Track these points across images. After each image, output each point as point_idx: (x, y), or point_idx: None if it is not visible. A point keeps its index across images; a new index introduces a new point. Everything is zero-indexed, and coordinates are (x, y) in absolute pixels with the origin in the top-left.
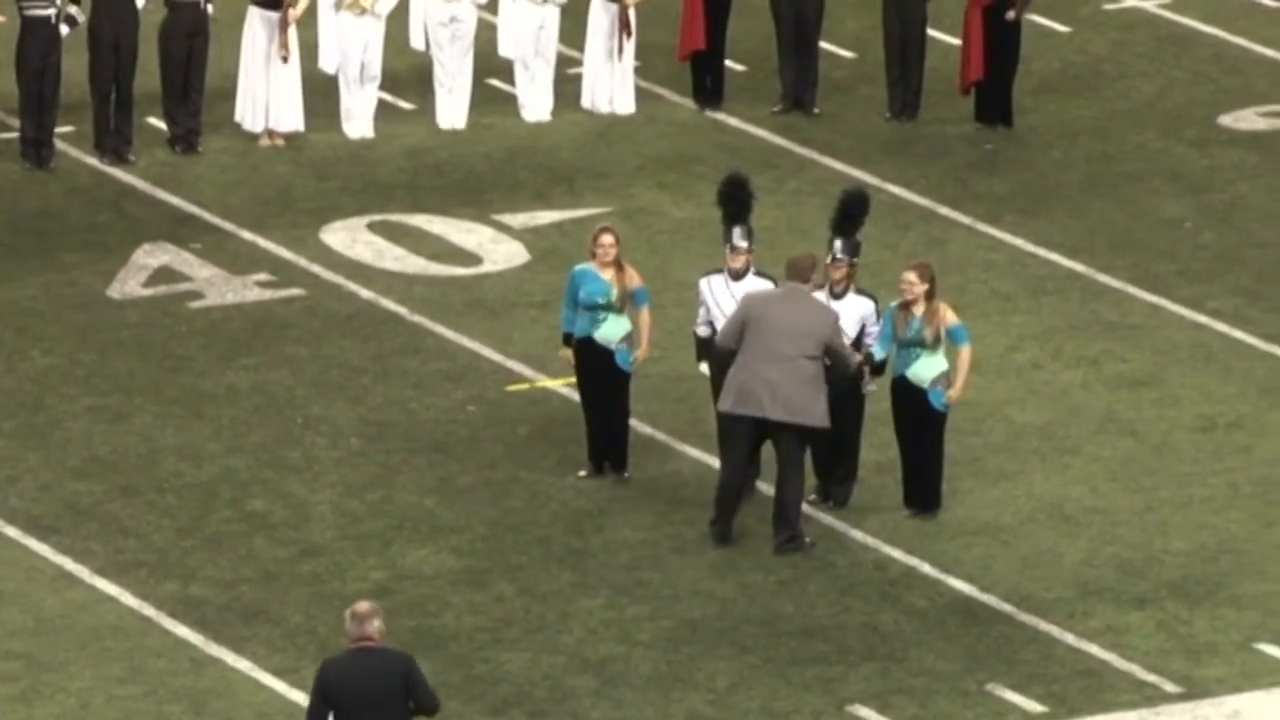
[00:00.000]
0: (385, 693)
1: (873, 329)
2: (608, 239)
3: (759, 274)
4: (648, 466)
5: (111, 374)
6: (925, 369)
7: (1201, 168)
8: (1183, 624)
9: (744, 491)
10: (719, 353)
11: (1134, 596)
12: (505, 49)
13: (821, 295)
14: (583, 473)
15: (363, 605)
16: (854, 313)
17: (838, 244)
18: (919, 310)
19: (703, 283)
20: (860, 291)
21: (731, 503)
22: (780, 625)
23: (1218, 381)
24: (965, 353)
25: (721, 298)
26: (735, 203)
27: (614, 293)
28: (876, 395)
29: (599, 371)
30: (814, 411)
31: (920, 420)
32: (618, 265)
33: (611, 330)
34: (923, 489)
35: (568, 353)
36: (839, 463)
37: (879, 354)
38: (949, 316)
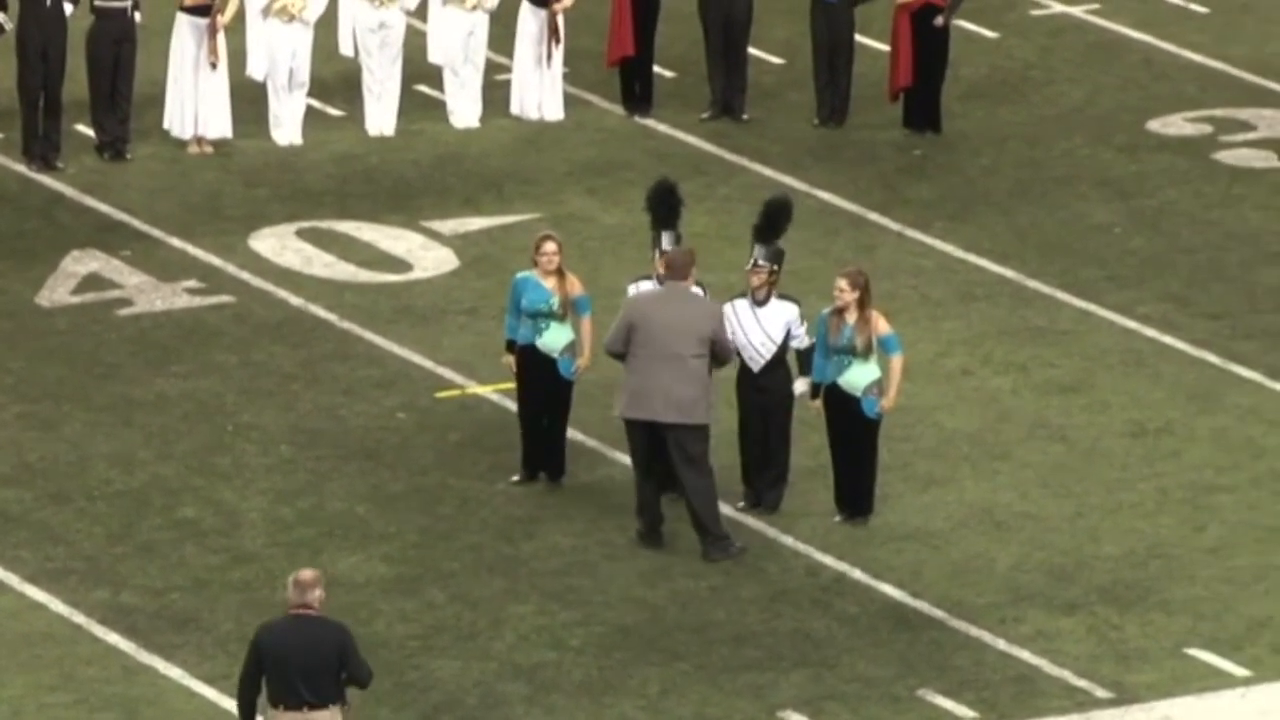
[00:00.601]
0: (319, 661)
1: (797, 332)
2: (550, 246)
3: (783, 297)
4: (578, 474)
5: (41, 381)
6: (857, 377)
7: (1130, 173)
8: (1113, 629)
9: (659, 493)
10: (611, 356)
11: (1064, 602)
12: (434, 55)
13: (743, 301)
14: (515, 478)
15: (306, 573)
16: (778, 318)
17: (758, 250)
18: (851, 318)
19: (631, 288)
20: (783, 296)
21: (651, 507)
22: (712, 632)
23: (1147, 387)
24: (897, 361)
25: None
26: (664, 209)
27: (556, 300)
28: (804, 401)
29: (541, 379)
30: (700, 409)
31: (853, 427)
32: (559, 273)
33: (554, 338)
34: (855, 494)
35: (510, 359)
36: (768, 468)
37: (816, 375)
38: (881, 325)
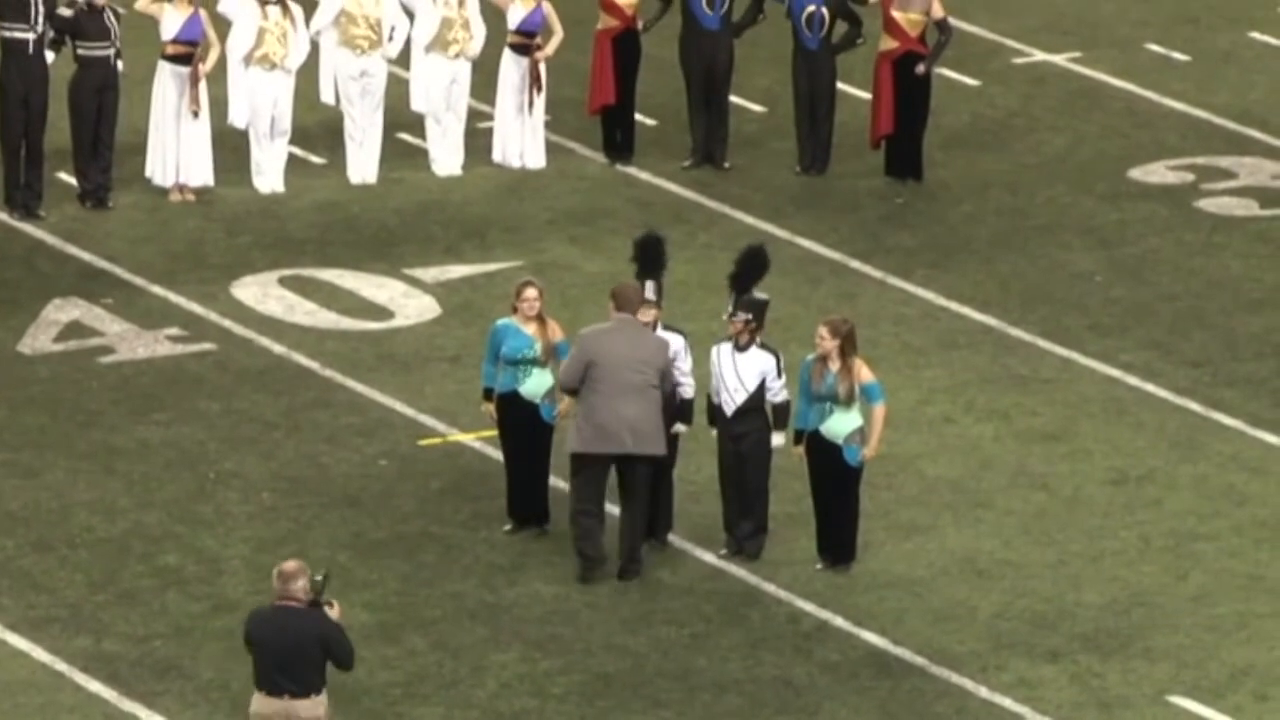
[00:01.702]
0: (298, 652)
1: (773, 384)
2: (531, 293)
3: (667, 328)
4: (560, 520)
5: (22, 429)
6: (840, 425)
7: (1112, 221)
8: (1095, 677)
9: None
10: (565, 392)
11: (1047, 649)
12: (416, 103)
13: (726, 345)
14: (507, 527)
15: (289, 564)
16: (755, 366)
17: (735, 301)
18: (834, 366)
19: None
20: (765, 346)
21: (598, 539)
22: (693, 679)
23: (1129, 435)
24: (879, 410)
25: None
26: (650, 259)
27: (538, 347)
28: (785, 448)
29: (523, 426)
30: (661, 440)
31: (835, 475)
32: (540, 319)
33: (536, 384)
34: (837, 542)
35: (489, 407)
36: (747, 518)
37: (799, 422)
38: (864, 373)
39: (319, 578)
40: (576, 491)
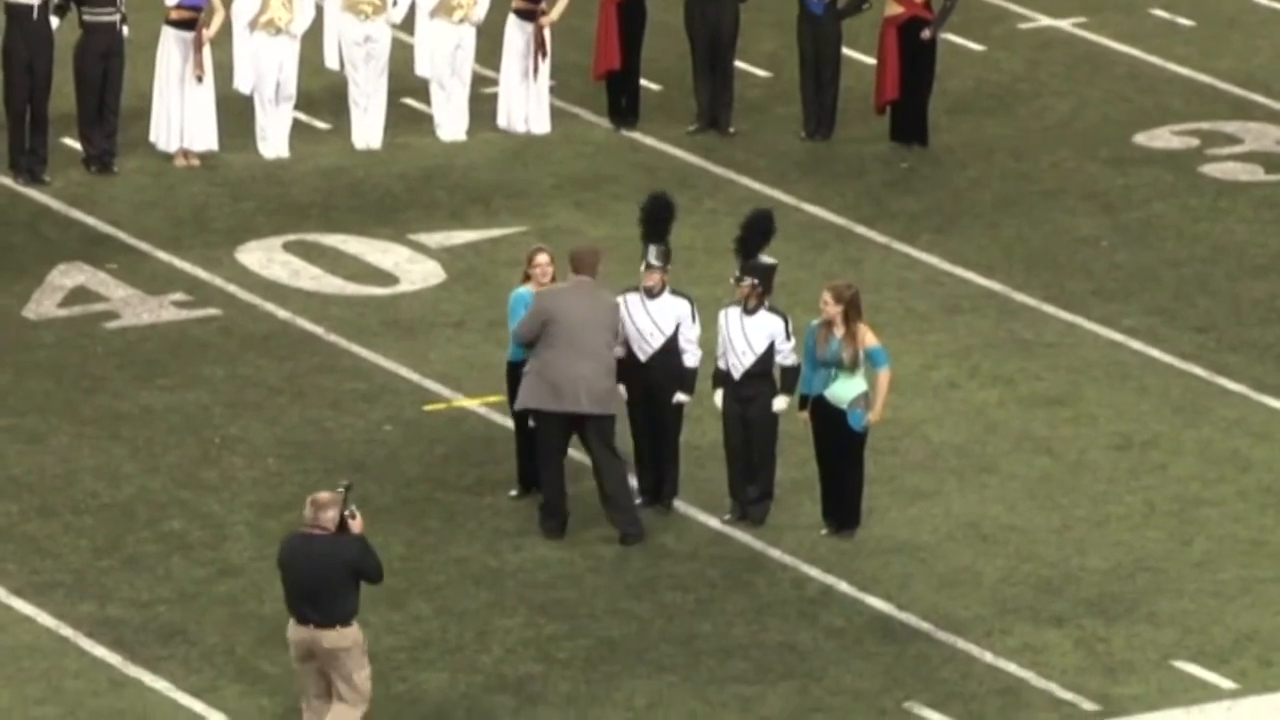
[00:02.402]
0: (324, 581)
1: (782, 346)
2: (543, 259)
3: (675, 293)
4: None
5: (27, 394)
6: (844, 390)
7: (1117, 186)
8: (1100, 642)
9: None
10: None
11: (1051, 614)
12: (421, 68)
13: (735, 309)
14: (513, 493)
15: (323, 495)
16: (763, 330)
17: (741, 265)
18: (839, 331)
19: (619, 300)
20: (773, 309)
21: (561, 498)
22: (698, 644)
23: (1133, 400)
24: (884, 375)
25: (637, 316)
26: (655, 222)
27: None
28: (790, 413)
29: None
30: (614, 400)
31: (839, 440)
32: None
33: None
34: (842, 507)
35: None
36: (753, 483)
37: (804, 386)
38: (869, 338)
39: (340, 488)
40: (538, 449)
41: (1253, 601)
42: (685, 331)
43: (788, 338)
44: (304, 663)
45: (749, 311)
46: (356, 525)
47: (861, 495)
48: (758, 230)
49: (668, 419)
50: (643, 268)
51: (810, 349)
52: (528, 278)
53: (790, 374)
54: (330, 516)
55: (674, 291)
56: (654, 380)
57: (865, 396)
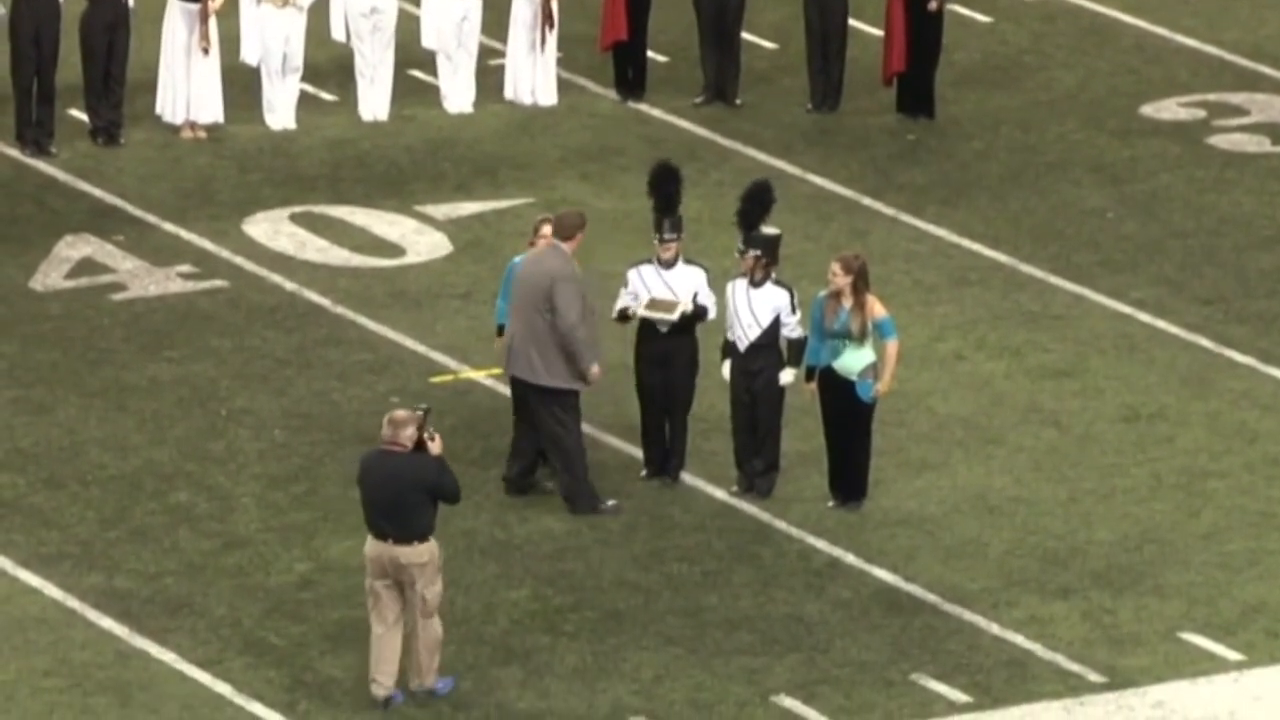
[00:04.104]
0: (400, 497)
1: (788, 319)
2: (548, 229)
3: (689, 262)
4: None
5: (34, 366)
6: (852, 361)
7: (1123, 158)
8: (1107, 614)
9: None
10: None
11: (1058, 587)
12: (428, 40)
13: (742, 281)
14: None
15: (400, 413)
16: (769, 303)
17: (745, 238)
18: (847, 303)
19: (632, 273)
20: (779, 283)
21: (523, 455)
22: (705, 616)
23: (1140, 372)
24: (893, 346)
25: (654, 285)
26: (663, 191)
27: None
28: (797, 385)
29: None
30: (540, 370)
31: (848, 411)
32: None
33: None
34: (849, 479)
35: (500, 343)
36: (758, 456)
37: (810, 357)
38: (877, 309)
39: (420, 410)
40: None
41: (1260, 573)
42: (704, 300)
43: (793, 310)
44: (379, 579)
45: (755, 284)
46: (435, 446)
47: (869, 467)
48: (757, 202)
49: (679, 391)
50: (656, 241)
51: (817, 320)
52: (532, 245)
53: (796, 346)
54: (408, 434)
55: (688, 261)
56: (669, 350)
57: (874, 367)
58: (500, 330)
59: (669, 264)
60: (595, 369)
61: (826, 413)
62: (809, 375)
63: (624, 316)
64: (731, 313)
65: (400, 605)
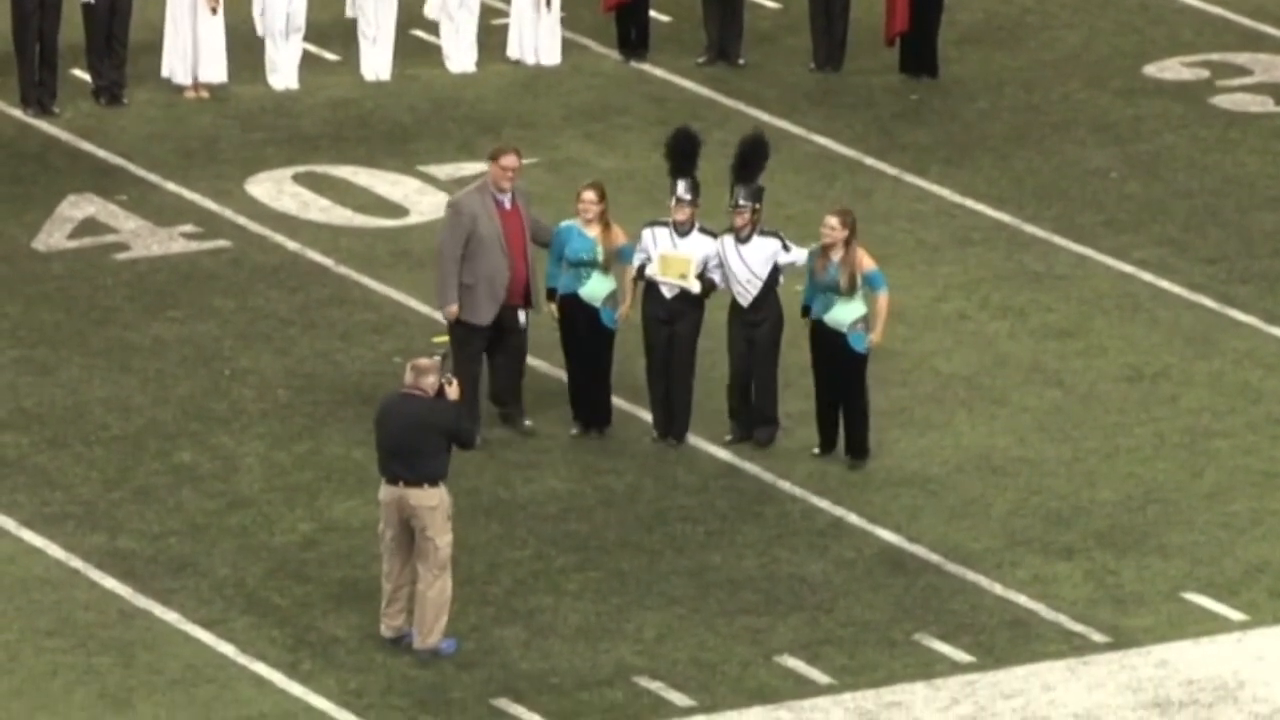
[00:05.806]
0: (415, 439)
1: (786, 258)
2: (589, 195)
3: (703, 230)
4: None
5: (37, 326)
6: (842, 313)
7: (1127, 118)
8: (1110, 574)
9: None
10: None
11: (1061, 546)
12: (430, 11)
13: (729, 238)
14: (574, 431)
15: (424, 360)
16: (761, 254)
17: (739, 190)
18: (836, 256)
19: (646, 233)
20: (765, 232)
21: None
22: (708, 576)
23: (1144, 331)
24: (883, 298)
25: (665, 249)
26: (681, 156)
27: (599, 250)
28: (798, 341)
29: (583, 327)
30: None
31: (841, 364)
32: (604, 223)
33: (596, 289)
34: (850, 438)
35: (552, 307)
36: (757, 406)
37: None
38: (865, 262)
39: (437, 355)
40: None
41: (1263, 533)
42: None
43: (786, 249)
44: (391, 526)
45: (743, 240)
46: (453, 391)
47: (868, 424)
48: (754, 152)
49: (683, 352)
50: (672, 202)
51: (809, 274)
52: (578, 212)
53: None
54: (431, 382)
55: (703, 229)
56: (674, 310)
57: (864, 319)
58: (551, 294)
59: (683, 228)
60: (448, 309)
61: (819, 366)
62: (804, 311)
63: (640, 273)
64: (729, 270)
65: (411, 554)
